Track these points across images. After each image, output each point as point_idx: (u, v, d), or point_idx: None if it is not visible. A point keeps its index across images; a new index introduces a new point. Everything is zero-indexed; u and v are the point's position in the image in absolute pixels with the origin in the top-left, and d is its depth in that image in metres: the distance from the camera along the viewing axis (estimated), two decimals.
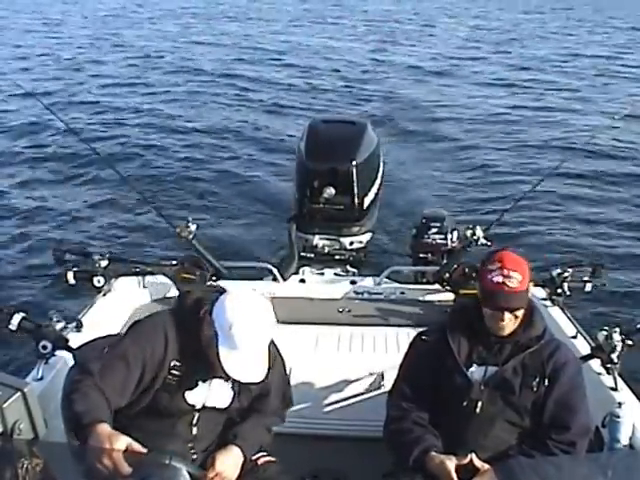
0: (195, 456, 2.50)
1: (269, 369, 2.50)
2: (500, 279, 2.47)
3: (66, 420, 2.30)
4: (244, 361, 2.34)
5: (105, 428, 2.17)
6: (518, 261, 2.54)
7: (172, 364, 2.41)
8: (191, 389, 2.45)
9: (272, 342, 2.59)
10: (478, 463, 2.41)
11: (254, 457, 2.58)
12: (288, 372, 3.41)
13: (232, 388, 2.52)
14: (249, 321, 2.34)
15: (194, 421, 2.50)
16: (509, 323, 2.53)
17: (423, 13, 29.54)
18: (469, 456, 2.42)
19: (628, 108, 6.35)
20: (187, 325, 2.43)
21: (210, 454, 2.51)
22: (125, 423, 2.38)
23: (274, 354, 2.61)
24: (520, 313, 2.54)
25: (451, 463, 2.41)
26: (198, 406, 2.48)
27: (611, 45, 21.58)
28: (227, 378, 2.43)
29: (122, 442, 2.12)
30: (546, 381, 2.53)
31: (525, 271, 2.52)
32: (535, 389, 2.54)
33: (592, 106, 13.00)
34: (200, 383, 2.46)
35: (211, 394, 2.49)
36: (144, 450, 2.16)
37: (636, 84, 15.33)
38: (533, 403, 2.54)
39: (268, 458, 2.62)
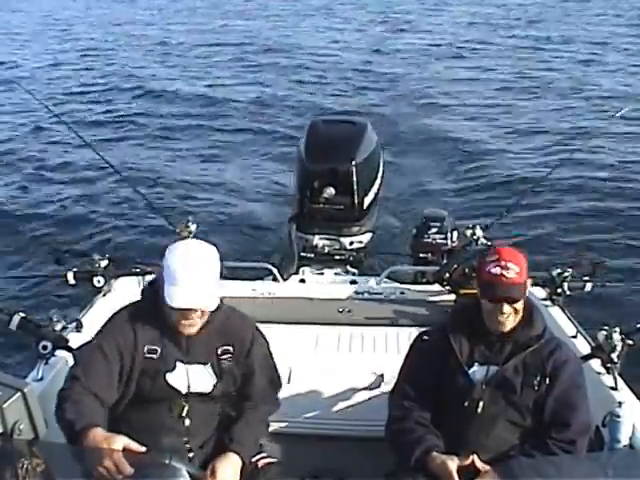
0: (192, 454, 2.50)
1: (250, 337, 2.60)
2: (498, 270, 2.49)
3: (62, 430, 2.33)
4: (182, 289, 2.39)
5: (99, 431, 2.19)
6: (515, 254, 2.57)
7: (146, 348, 2.47)
8: (171, 371, 2.48)
9: (253, 324, 2.67)
10: (479, 464, 2.41)
11: (254, 459, 2.58)
12: (288, 373, 3.43)
13: (213, 371, 2.54)
14: (183, 255, 2.45)
15: (184, 412, 2.51)
16: (509, 318, 2.53)
17: (426, 3, 29.26)
18: (471, 457, 2.42)
19: (628, 106, 6.35)
20: (151, 306, 2.50)
21: (206, 451, 2.52)
22: (118, 421, 2.42)
23: (253, 333, 2.65)
24: (519, 306, 2.54)
25: (453, 464, 2.41)
26: (183, 390, 2.50)
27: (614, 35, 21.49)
28: (180, 334, 2.47)
29: (119, 442, 2.14)
30: (547, 379, 2.54)
31: (522, 264, 2.54)
32: (536, 388, 2.54)
33: (593, 104, 12.99)
34: (178, 364, 2.50)
35: (193, 378, 2.51)
36: (142, 449, 2.16)
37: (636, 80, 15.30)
38: (534, 402, 2.54)
39: (268, 460, 2.62)
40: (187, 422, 2.51)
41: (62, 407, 2.33)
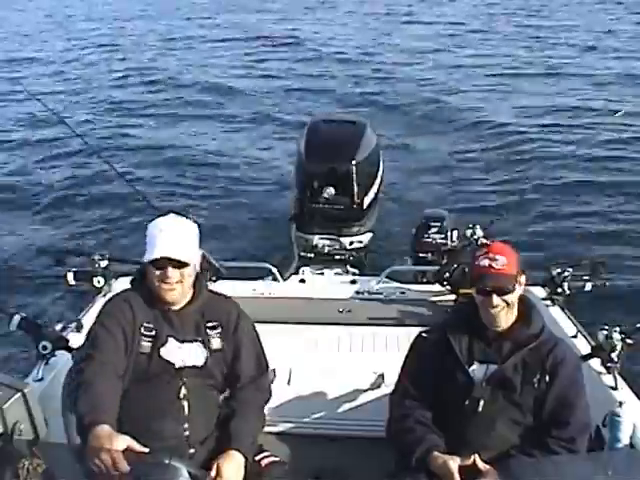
0: (192, 450, 2.51)
1: (236, 314, 2.70)
2: (486, 262, 2.56)
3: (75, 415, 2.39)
4: (158, 243, 2.56)
5: (105, 429, 2.21)
6: (504, 248, 2.63)
7: (143, 326, 2.58)
8: (164, 345, 2.57)
9: (237, 303, 2.78)
10: (481, 464, 2.41)
11: (257, 457, 2.60)
12: (288, 373, 3.43)
13: (204, 347, 2.62)
14: (157, 222, 2.64)
15: (182, 393, 2.54)
16: (501, 312, 2.55)
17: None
18: (472, 457, 2.42)
19: (629, 105, 6.35)
20: (142, 289, 2.65)
21: (207, 449, 2.53)
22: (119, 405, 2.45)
23: (239, 311, 2.74)
24: (510, 299, 2.55)
25: (454, 463, 2.41)
26: (176, 364, 2.57)
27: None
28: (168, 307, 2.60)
29: (122, 442, 2.15)
30: (547, 377, 2.54)
31: (512, 257, 2.59)
32: (536, 386, 2.54)
33: (593, 104, 12.98)
34: (170, 339, 2.59)
35: (185, 352, 2.59)
36: (145, 450, 2.17)
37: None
38: (534, 400, 2.54)
39: (272, 459, 2.64)
40: (186, 407, 2.54)
41: (76, 393, 2.38)
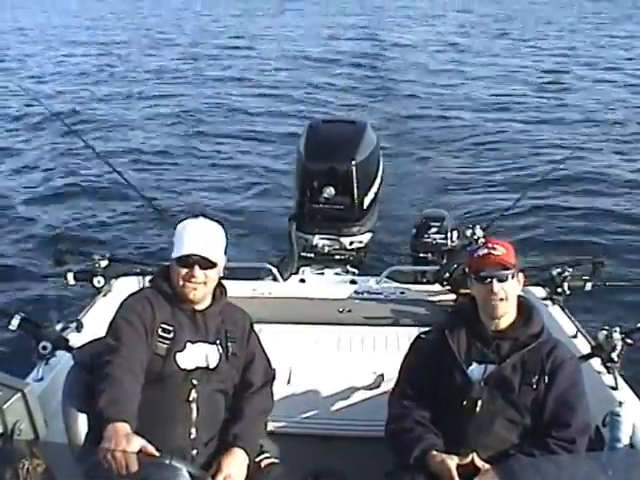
0: (195, 451, 2.51)
1: (249, 326, 2.75)
2: (485, 251, 2.62)
3: (92, 406, 2.35)
4: (187, 239, 2.59)
5: (123, 428, 2.19)
6: (502, 242, 2.70)
7: (161, 327, 2.55)
8: (181, 351, 2.55)
9: (248, 315, 2.80)
10: (479, 463, 2.41)
11: (257, 459, 2.59)
12: (288, 373, 3.44)
13: (219, 350, 2.62)
14: (188, 221, 2.68)
15: (192, 396, 2.53)
16: (502, 303, 2.55)
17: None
18: (470, 456, 2.42)
19: (625, 108, 6.36)
20: (163, 288, 2.62)
21: (210, 451, 2.53)
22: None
23: (251, 323, 2.79)
24: (509, 289, 2.55)
25: (452, 462, 2.41)
26: (190, 366, 2.55)
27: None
28: (190, 311, 2.60)
29: (137, 444, 2.14)
30: (546, 378, 2.54)
31: (510, 249, 2.65)
32: (535, 387, 2.54)
33: (591, 106, 13.00)
34: (189, 345, 2.57)
35: (200, 355, 2.58)
36: (156, 453, 2.16)
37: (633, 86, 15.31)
38: (533, 401, 2.54)
39: (271, 460, 2.63)
40: (194, 410, 2.53)
41: (101, 386, 2.33)
